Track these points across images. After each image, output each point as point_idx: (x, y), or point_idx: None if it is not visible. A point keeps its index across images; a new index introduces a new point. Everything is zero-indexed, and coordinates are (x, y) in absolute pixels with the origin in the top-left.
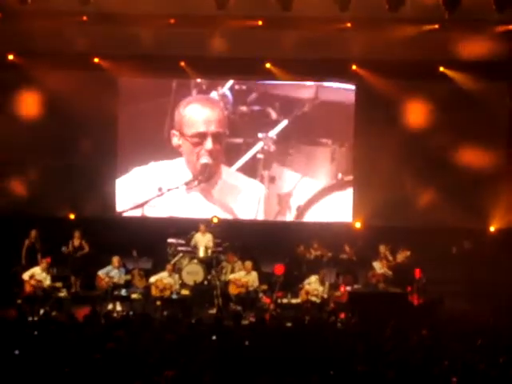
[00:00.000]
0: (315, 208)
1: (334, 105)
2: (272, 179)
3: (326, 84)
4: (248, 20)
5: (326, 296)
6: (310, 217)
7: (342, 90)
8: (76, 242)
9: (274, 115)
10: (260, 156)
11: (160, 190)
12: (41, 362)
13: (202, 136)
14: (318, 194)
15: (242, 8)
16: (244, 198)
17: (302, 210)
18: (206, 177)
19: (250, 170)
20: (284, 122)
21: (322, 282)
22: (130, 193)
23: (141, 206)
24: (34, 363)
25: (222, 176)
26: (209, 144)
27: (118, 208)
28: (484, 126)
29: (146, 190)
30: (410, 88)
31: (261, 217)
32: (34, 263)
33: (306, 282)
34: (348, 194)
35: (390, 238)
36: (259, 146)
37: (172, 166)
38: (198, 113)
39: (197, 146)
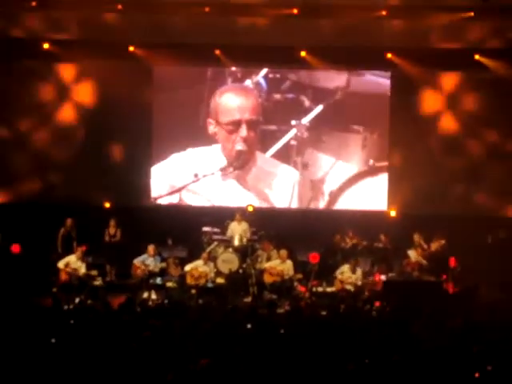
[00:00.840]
0: (348, 194)
1: (366, 94)
2: (305, 165)
3: (360, 72)
4: (283, 8)
5: (359, 283)
6: (344, 204)
7: (373, 79)
8: (112, 231)
9: (306, 103)
10: (293, 143)
11: (196, 175)
12: (77, 351)
13: (236, 124)
14: (351, 179)
15: None
16: (278, 184)
17: (334, 196)
18: (240, 163)
19: (284, 156)
20: (318, 108)
21: (353, 270)
22: (167, 179)
23: (177, 191)
24: (70, 352)
25: (256, 163)
26: (243, 131)
27: (154, 194)
28: None
29: (182, 176)
30: (444, 76)
31: (295, 203)
32: (70, 251)
33: (339, 271)
34: (381, 180)
35: (424, 226)
36: (292, 132)
37: (208, 152)
38: (233, 101)
39: (232, 133)
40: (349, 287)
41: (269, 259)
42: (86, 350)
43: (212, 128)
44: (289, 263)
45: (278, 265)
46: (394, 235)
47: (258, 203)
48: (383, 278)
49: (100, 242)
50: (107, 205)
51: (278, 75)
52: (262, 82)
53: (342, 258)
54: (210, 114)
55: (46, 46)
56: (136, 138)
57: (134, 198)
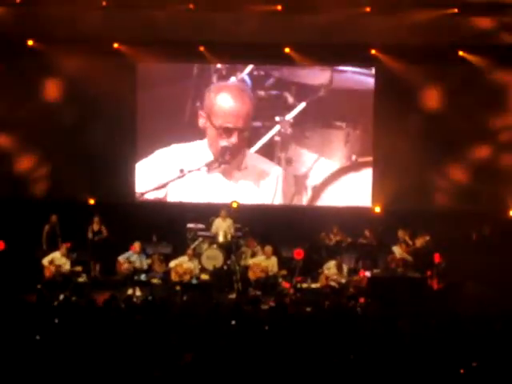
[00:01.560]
0: (332, 190)
1: (349, 90)
2: (289, 161)
3: (342, 69)
4: (267, 5)
5: (344, 281)
6: (328, 199)
7: (356, 76)
8: (95, 227)
9: (290, 100)
10: (277, 139)
11: (181, 171)
12: (61, 348)
13: (228, 131)
14: (334, 174)
15: None
16: (262, 180)
17: (318, 191)
18: (226, 159)
19: (268, 152)
20: (302, 105)
21: (339, 268)
22: (152, 175)
23: (162, 187)
24: (55, 348)
25: (243, 158)
26: (234, 138)
27: (140, 189)
28: (504, 111)
29: (167, 171)
30: (429, 72)
31: (278, 198)
32: (55, 248)
33: (325, 267)
34: (363, 175)
35: (409, 222)
36: (276, 128)
37: (194, 148)
38: (229, 105)
39: (221, 136)
40: (333, 284)
41: (253, 256)
42: (71, 346)
43: (202, 121)
44: (273, 259)
45: (262, 261)
46: (379, 232)
47: (243, 198)
48: (368, 274)
49: (84, 238)
50: (91, 201)
51: (262, 72)
52: (247, 79)
53: (326, 254)
54: (203, 106)
55: (30, 42)
56: (121, 135)
57: (118, 194)
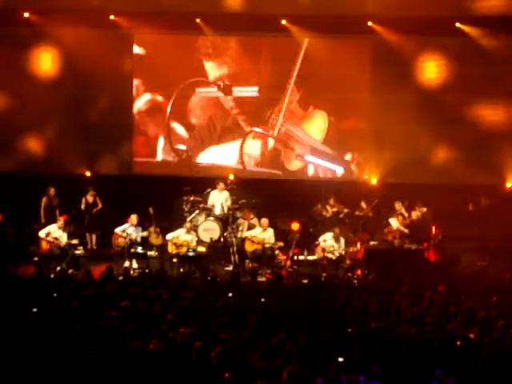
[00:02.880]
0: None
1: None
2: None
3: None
4: None
5: (341, 253)
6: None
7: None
8: (90, 199)
9: None
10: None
11: None
12: (58, 320)
13: None
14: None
15: None
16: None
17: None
18: None
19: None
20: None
21: (336, 239)
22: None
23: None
24: (52, 321)
25: None
26: None
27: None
28: (501, 82)
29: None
30: (425, 44)
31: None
32: (52, 221)
33: (321, 238)
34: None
35: (406, 194)
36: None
37: None
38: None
39: None
40: (330, 255)
41: (250, 228)
42: (67, 319)
43: None
44: (270, 231)
45: (258, 233)
46: (375, 203)
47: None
48: (364, 245)
49: (78, 211)
50: (88, 173)
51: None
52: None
53: (323, 226)
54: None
55: (26, 14)
56: (118, 108)
57: (115, 167)
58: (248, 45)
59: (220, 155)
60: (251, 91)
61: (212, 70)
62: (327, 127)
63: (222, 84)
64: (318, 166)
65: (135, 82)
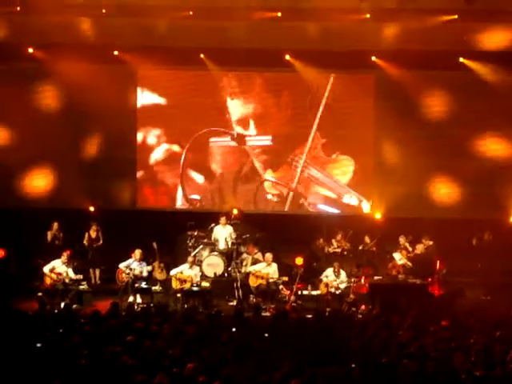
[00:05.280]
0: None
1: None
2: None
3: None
4: (267, 11)
5: (342, 286)
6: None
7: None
8: (93, 234)
9: None
10: None
11: None
12: (62, 355)
13: None
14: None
15: None
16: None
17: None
18: None
19: None
20: None
21: (337, 274)
22: None
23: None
24: (55, 356)
25: None
26: None
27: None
28: (504, 117)
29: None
30: (429, 79)
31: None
32: (56, 256)
33: (324, 274)
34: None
35: (410, 229)
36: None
37: None
38: None
39: None
40: (333, 290)
41: (254, 263)
42: (71, 354)
43: None
44: (274, 266)
45: (263, 268)
46: (379, 238)
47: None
48: (369, 280)
49: (82, 246)
50: (91, 208)
51: None
52: None
53: (326, 261)
54: None
55: (30, 50)
56: (121, 142)
57: (119, 201)
58: (270, 82)
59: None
60: (265, 140)
61: (236, 107)
62: (354, 170)
63: (235, 134)
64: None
65: (156, 131)
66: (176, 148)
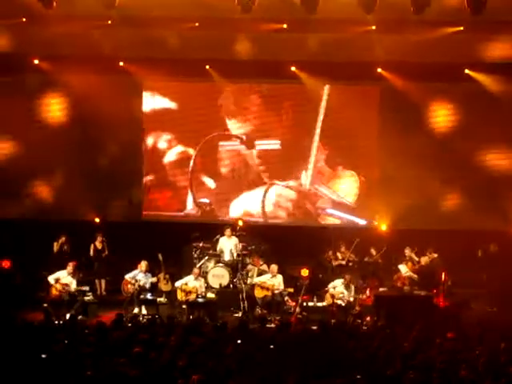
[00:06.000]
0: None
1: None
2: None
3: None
4: (273, 23)
5: (351, 299)
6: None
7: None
8: (99, 245)
9: None
10: None
11: None
12: (67, 366)
13: None
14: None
15: (267, 11)
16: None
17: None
18: None
19: None
20: None
21: (347, 286)
22: None
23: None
24: (61, 367)
25: None
26: None
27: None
28: (510, 128)
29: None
30: (435, 90)
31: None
32: (61, 267)
33: (331, 285)
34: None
35: (415, 240)
36: None
37: None
38: None
39: None
40: (339, 302)
41: (259, 274)
42: (77, 365)
43: None
44: (279, 278)
45: (268, 279)
46: (385, 250)
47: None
48: (374, 292)
49: (87, 257)
50: (97, 220)
51: None
52: None
53: (332, 272)
54: None
55: (36, 61)
56: (127, 153)
57: (125, 213)
58: (269, 98)
59: (242, 208)
60: (273, 144)
61: (235, 126)
62: (359, 187)
63: (244, 137)
64: (340, 218)
65: (167, 136)
66: (185, 152)
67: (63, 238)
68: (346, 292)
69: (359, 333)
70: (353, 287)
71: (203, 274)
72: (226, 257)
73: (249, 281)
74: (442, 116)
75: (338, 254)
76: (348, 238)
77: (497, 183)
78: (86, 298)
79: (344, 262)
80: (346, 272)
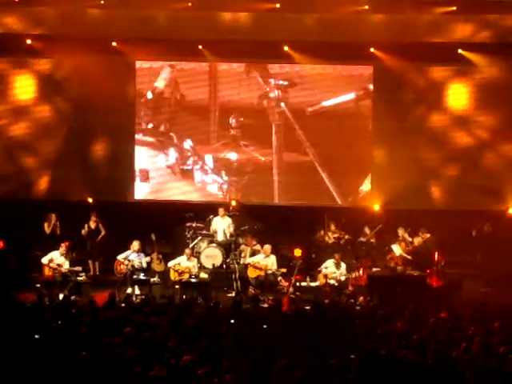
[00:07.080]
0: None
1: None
2: None
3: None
4: (265, 3)
5: (343, 279)
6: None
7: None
8: (92, 225)
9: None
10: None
11: None
12: (60, 347)
13: None
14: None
15: None
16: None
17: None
18: None
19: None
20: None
21: (337, 265)
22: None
23: None
24: (53, 347)
25: None
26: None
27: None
28: (503, 108)
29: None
30: (428, 70)
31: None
32: (54, 247)
33: (323, 266)
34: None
35: (409, 221)
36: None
37: None
38: None
39: None
40: (332, 282)
41: (252, 254)
42: (70, 345)
43: None
44: (272, 258)
45: (261, 259)
46: (378, 230)
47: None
48: (367, 272)
49: (80, 237)
50: (90, 200)
51: None
52: None
53: (325, 252)
54: None
55: (28, 41)
56: (119, 133)
57: (117, 193)
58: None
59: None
60: None
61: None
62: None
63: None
64: None
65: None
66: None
67: (53, 218)
68: (337, 271)
69: (352, 313)
70: (343, 265)
71: (196, 255)
72: (219, 237)
73: (242, 261)
74: (435, 96)
75: (329, 234)
76: (343, 217)
77: (490, 163)
78: (79, 279)
79: (336, 240)
80: (337, 251)
